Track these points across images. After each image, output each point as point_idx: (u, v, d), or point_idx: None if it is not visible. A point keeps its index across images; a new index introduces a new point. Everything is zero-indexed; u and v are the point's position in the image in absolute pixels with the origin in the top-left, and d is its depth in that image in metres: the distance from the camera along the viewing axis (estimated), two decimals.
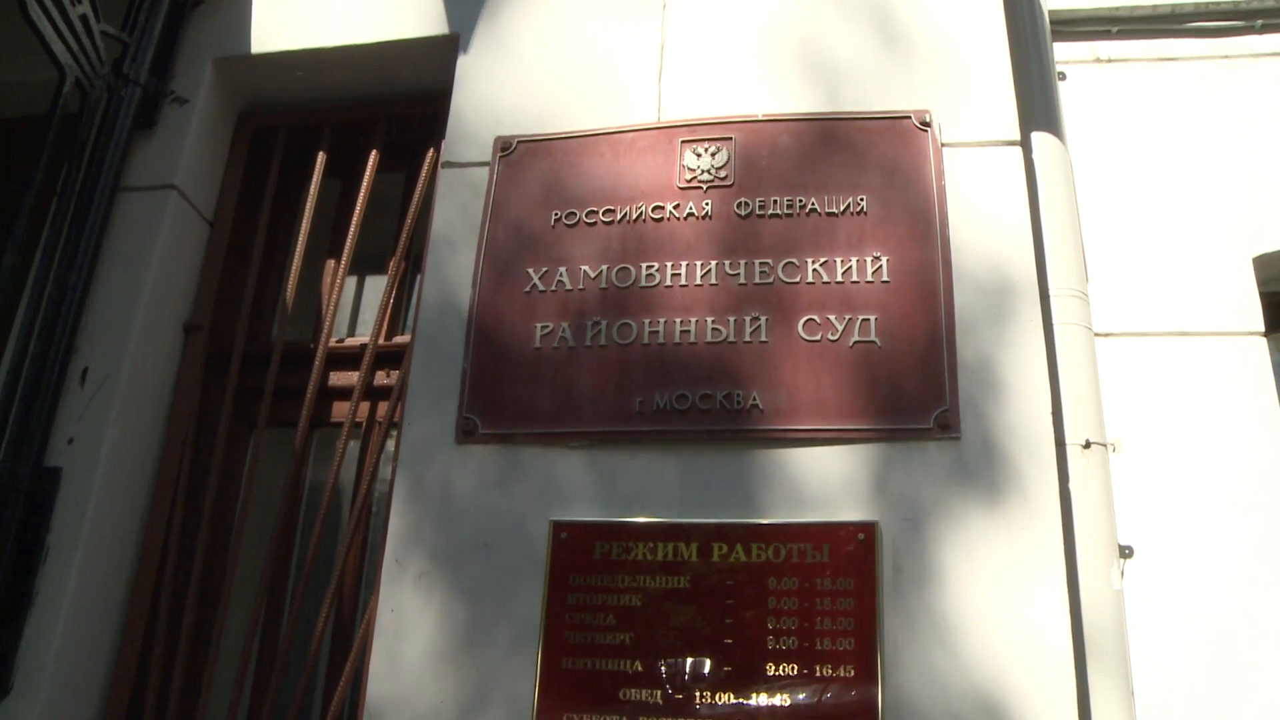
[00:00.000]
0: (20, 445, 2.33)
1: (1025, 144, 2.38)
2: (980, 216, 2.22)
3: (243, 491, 2.53)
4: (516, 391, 2.23)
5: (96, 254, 2.54)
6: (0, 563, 2.24)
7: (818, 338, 2.18)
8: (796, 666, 1.98)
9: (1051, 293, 2.41)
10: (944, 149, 2.28)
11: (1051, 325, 2.34)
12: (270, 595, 2.42)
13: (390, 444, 2.48)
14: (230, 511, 2.54)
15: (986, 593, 1.95)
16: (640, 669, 2.02)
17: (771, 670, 1.98)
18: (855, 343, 2.17)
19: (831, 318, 2.19)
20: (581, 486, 2.13)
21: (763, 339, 2.20)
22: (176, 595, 2.44)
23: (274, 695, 2.29)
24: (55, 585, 2.28)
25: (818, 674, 1.97)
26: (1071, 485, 2.15)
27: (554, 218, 2.39)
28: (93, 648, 2.35)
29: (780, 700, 1.96)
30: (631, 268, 2.30)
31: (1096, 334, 2.59)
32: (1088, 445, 2.32)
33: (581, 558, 2.10)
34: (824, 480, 2.08)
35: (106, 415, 2.41)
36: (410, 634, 2.07)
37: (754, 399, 2.16)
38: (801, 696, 1.96)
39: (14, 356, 2.41)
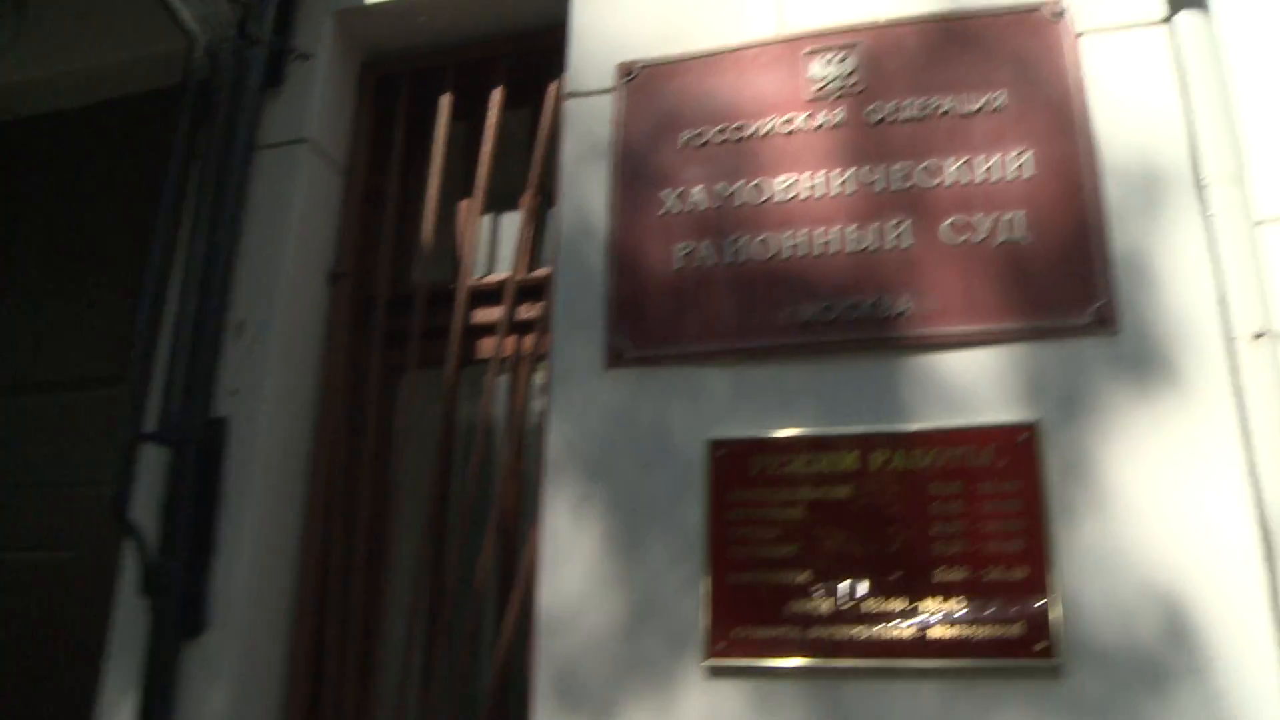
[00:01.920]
0: (189, 399, 2.59)
1: (1169, 24, 2.40)
2: (1125, 104, 2.27)
3: (398, 432, 2.76)
4: (661, 313, 2.39)
5: (239, 212, 2.77)
6: (184, 510, 2.53)
7: (963, 239, 2.27)
8: (964, 571, 2.07)
9: (1206, 180, 2.43)
10: (1080, 37, 2.33)
11: (1208, 213, 2.37)
12: (434, 530, 2.64)
13: (538, 376, 2.67)
14: (388, 452, 2.77)
15: (1158, 490, 2.01)
16: (805, 581, 2.15)
17: (939, 576, 2.08)
18: (1003, 241, 2.25)
19: (976, 217, 2.28)
20: (733, 403, 2.28)
21: (907, 244, 2.30)
22: (346, 536, 2.67)
23: (446, 625, 2.52)
24: (235, 529, 2.53)
25: (986, 578, 2.06)
26: (1242, 378, 2.20)
27: (682, 139, 2.51)
28: (275, 586, 2.60)
29: (950, 606, 2.06)
30: (766, 183, 2.42)
31: (1257, 221, 2.60)
32: (1259, 336, 2.35)
33: (739, 474, 2.25)
34: (980, 382, 2.17)
35: (264, 365, 2.65)
36: (573, 557, 2.26)
37: (902, 305, 2.27)
38: (971, 601, 2.05)
39: (175, 315, 2.67)
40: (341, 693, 2.56)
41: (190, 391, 2.60)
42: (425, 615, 2.58)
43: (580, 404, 2.36)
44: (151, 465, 2.61)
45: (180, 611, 2.46)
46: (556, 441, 2.35)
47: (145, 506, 2.56)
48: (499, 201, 3.00)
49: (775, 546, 2.19)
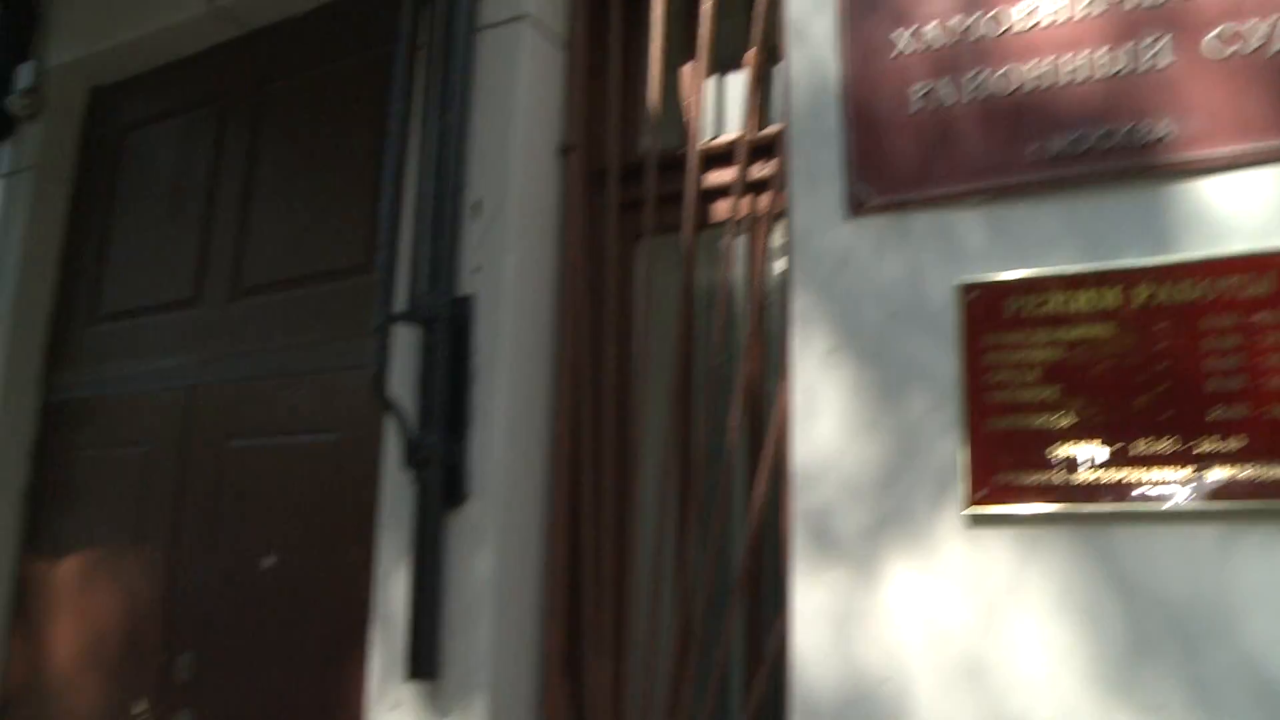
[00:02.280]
0: (435, 278, 2.80)
1: None
2: None
3: (638, 301, 2.90)
4: (901, 158, 2.41)
5: (466, 94, 2.94)
6: (438, 387, 2.74)
7: (1232, 51, 2.21)
8: (1244, 408, 2.02)
9: None
10: None
11: None
12: (680, 395, 2.79)
13: (776, 234, 2.77)
14: (629, 321, 2.89)
15: None
16: (1069, 424, 2.13)
17: (1215, 415, 2.03)
18: (1278, 51, 2.18)
19: (1248, 24, 2.20)
20: (983, 244, 2.31)
21: (1165, 63, 2.21)
22: (595, 404, 2.82)
23: (698, 487, 2.69)
24: (488, 402, 2.71)
25: (1268, 414, 2.01)
26: None
27: None
28: (529, 455, 2.78)
29: (1229, 445, 2.01)
30: (1003, 12, 2.36)
31: None
32: None
33: (993, 316, 2.28)
34: (1254, 206, 2.06)
35: (503, 242, 2.81)
36: (825, 411, 2.35)
37: (1162, 129, 2.19)
38: (1253, 438, 2.00)
39: (415, 200, 2.88)
40: (599, 555, 2.75)
41: (435, 272, 2.82)
42: (676, 477, 2.75)
43: (823, 257, 2.44)
44: (405, 346, 2.82)
45: (442, 483, 2.70)
46: (801, 296, 2.44)
47: (402, 385, 2.80)
48: (723, 61, 3.04)
49: (1035, 390, 2.20)
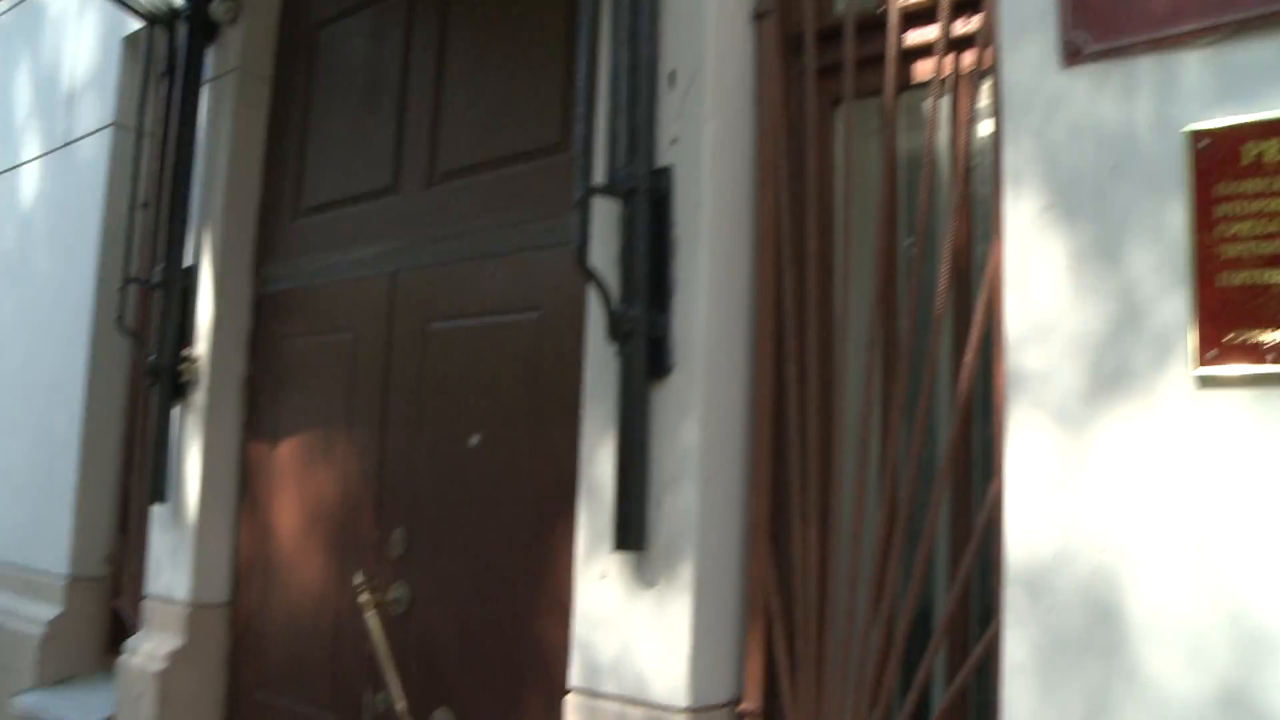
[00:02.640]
0: (634, 150, 2.79)
1: None
2: None
3: (838, 166, 2.83)
4: (1120, 1, 2.30)
5: None
6: (639, 259, 2.74)
7: None
8: None
9: None
10: None
11: None
12: (885, 260, 2.72)
13: (982, 93, 2.64)
14: (829, 190, 2.82)
15: None
16: None
17: None
18: None
19: None
20: (1213, 88, 2.15)
21: None
22: (796, 271, 2.78)
23: (905, 356, 2.64)
24: (689, 273, 2.72)
25: None
26: None
27: None
28: (732, 324, 2.78)
29: None
30: None
31: None
32: None
33: (1227, 165, 2.14)
34: None
35: (700, 111, 2.77)
36: (1041, 272, 2.25)
37: None
38: None
39: (610, 73, 2.86)
40: (804, 424, 2.72)
41: (633, 145, 2.81)
42: (881, 347, 2.71)
43: (1036, 111, 2.32)
44: (604, 221, 2.85)
45: (646, 355, 2.74)
46: (1012, 153, 2.34)
47: (603, 259, 2.83)
48: None
49: (1275, 241, 2.11)
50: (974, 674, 2.43)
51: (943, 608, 2.58)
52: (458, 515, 3.52)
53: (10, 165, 6.38)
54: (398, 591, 3.66)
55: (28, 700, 5.16)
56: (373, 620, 3.51)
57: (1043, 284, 2.24)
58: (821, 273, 2.79)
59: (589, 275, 2.70)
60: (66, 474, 5.38)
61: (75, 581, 5.31)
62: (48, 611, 5.39)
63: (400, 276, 3.86)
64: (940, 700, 2.50)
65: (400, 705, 3.42)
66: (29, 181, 6.19)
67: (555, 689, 3.05)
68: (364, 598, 3.52)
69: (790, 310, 2.77)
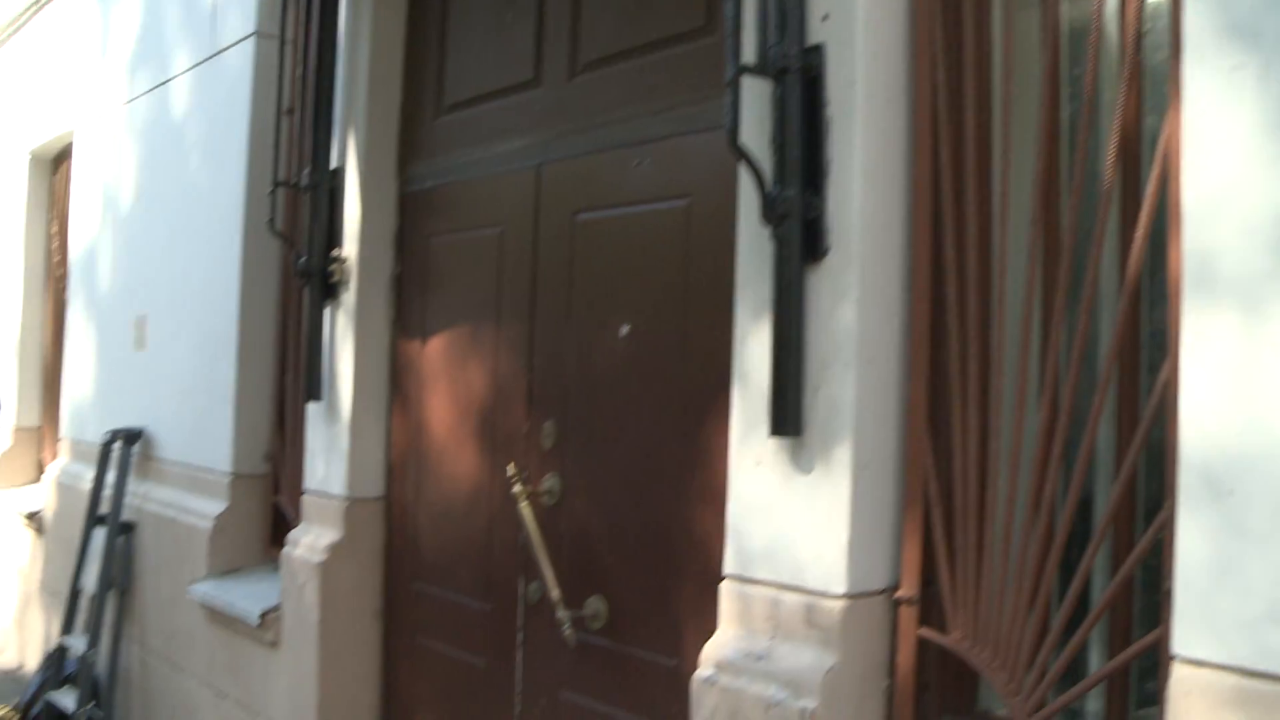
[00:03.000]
0: (784, 28, 2.69)
1: None
2: None
3: (998, 40, 2.70)
4: None
5: None
6: (791, 140, 2.67)
7: None
8: None
9: None
10: None
11: None
12: (1048, 136, 2.60)
13: None
14: (987, 63, 2.71)
15: None
16: None
17: None
18: None
19: None
20: None
21: None
22: (954, 150, 2.69)
23: (1070, 233, 2.54)
24: (844, 153, 2.65)
25: None
26: None
27: None
28: (889, 205, 2.71)
29: None
30: None
31: None
32: None
33: None
34: None
35: None
36: (1222, 140, 2.08)
37: None
38: None
39: None
40: (963, 307, 2.65)
41: (783, 22, 2.71)
42: (1043, 222, 2.62)
43: None
44: (755, 102, 2.79)
45: (801, 238, 2.70)
46: (1193, 14, 2.23)
47: (755, 141, 2.74)
48: None
49: None
50: (1138, 567, 2.37)
51: (1106, 498, 2.52)
52: (608, 406, 3.55)
53: (161, 80, 6.57)
54: (549, 483, 3.73)
55: (201, 589, 5.45)
56: (525, 511, 3.59)
57: (1226, 153, 2.13)
58: (980, 150, 2.70)
59: (742, 157, 2.65)
60: (226, 375, 5.60)
61: (238, 478, 5.55)
62: (215, 507, 5.65)
63: (545, 169, 3.87)
64: (1101, 595, 2.45)
65: (555, 594, 3.51)
66: (179, 95, 6.37)
67: (709, 576, 3.08)
68: (516, 489, 3.60)
69: (948, 190, 2.69)
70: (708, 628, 3.03)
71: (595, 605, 3.57)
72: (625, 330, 3.44)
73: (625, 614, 3.52)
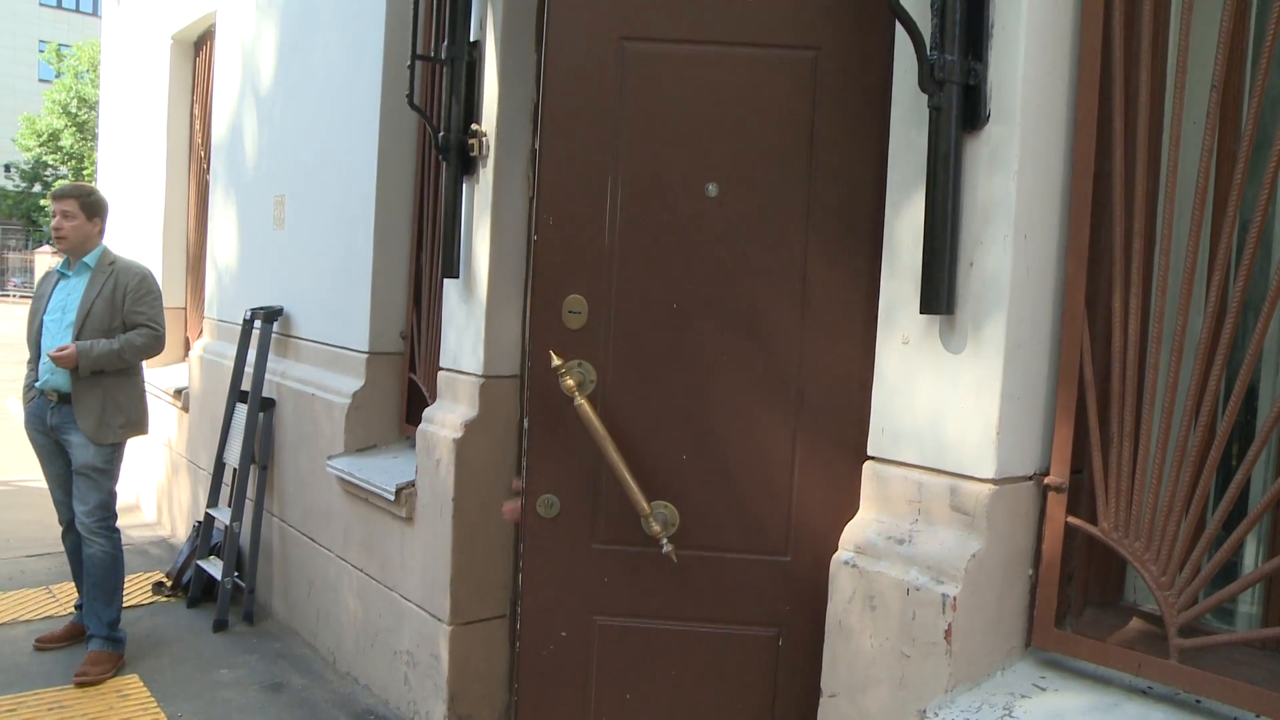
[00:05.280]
0: None
1: None
2: None
3: None
4: None
5: None
6: (951, 2, 2.62)
7: None
8: None
9: None
10: None
11: None
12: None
13: None
14: None
15: None
16: None
17: None
18: None
19: None
20: None
21: None
22: (1127, 14, 2.58)
23: (1257, 99, 2.39)
24: (1008, 16, 2.53)
25: None
26: None
27: None
28: (1053, 75, 2.60)
29: None
30: None
31: None
32: None
33: None
34: None
35: None
36: None
37: None
38: None
39: None
40: (1129, 179, 2.55)
41: None
42: (1222, 88, 2.45)
43: None
44: None
45: (959, 104, 2.62)
46: None
47: (913, 2, 2.70)
48: None
49: None
50: None
51: (1273, 391, 2.42)
52: (698, 273, 3.31)
53: None
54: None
55: (339, 464, 5.64)
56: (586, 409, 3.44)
57: None
58: (1157, 9, 2.56)
59: (900, 16, 2.56)
60: (363, 253, 5.71)
61: (374, 356, 5.70)
62: (352, 384, 5.82)
63: None
64: (1263, 494, 2.37)
65: (641, 506, 3.42)
66: None
67: (829, 462, 3.07)
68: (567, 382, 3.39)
69: (1119, 55, 2.57)
70: (833, 516, 3.02)
71: (663, 511, 3.27)
72: (713, 190, 3.26)
73: (704, 516, 3.31)
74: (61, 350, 5.50)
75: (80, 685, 5.47)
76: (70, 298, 5.79)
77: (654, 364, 3.23)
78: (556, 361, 3.15)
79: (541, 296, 3.27)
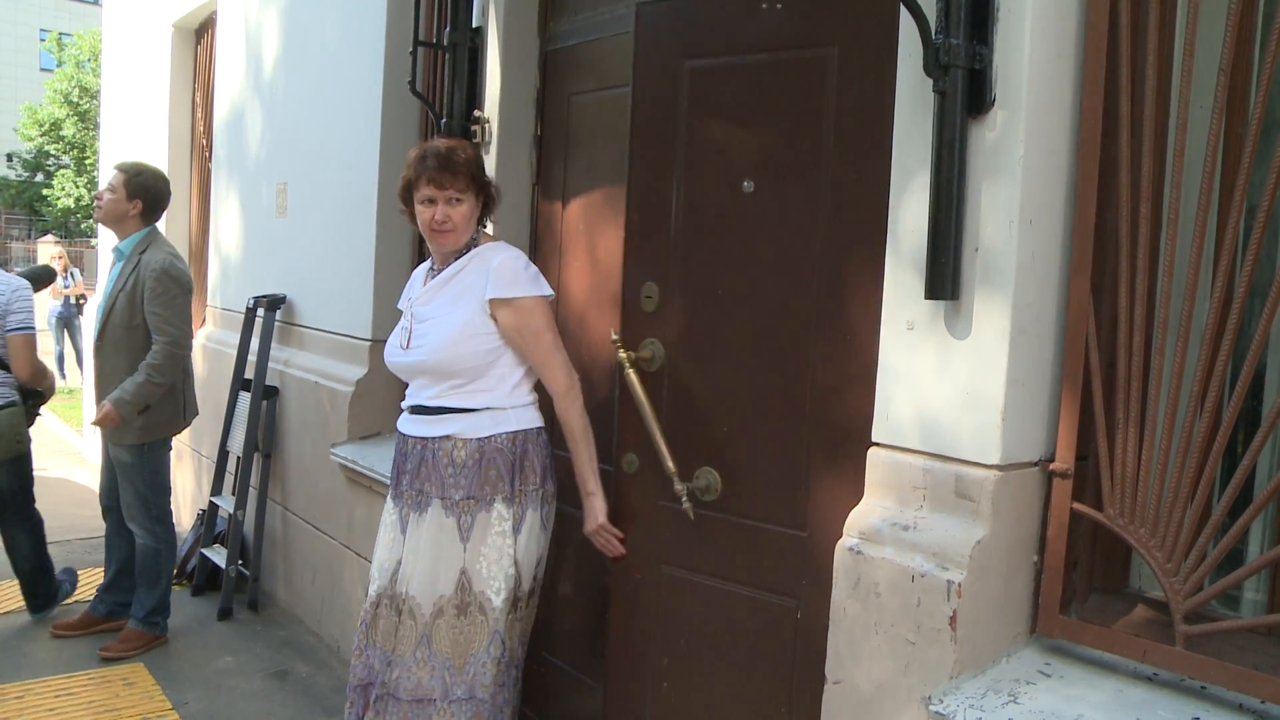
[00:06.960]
0: None
1: None
2: None
3: None
4: None
5: None
6: None
7: None
8: None
9: None
10: None
11: None
12: None
13: None
14: None
15: None
16: None
17: None
18: None
19: None
20: None
21: None
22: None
23: (1266, 83, 2.36)
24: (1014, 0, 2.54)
25: None
26: None
27: None
28: (1059, 59, 2.58)
29: None
30: None
31: None
32: None
33: None
34: None
35: None
36: None
37: None
38: None
39: None
40: (1136, 163, 2.53)
41: None
42: (1230, 71, 2.46)
43: None
44: None
45: (964, 89, 2.61)
46: None
47: None
48: None
49: None
50: None
51: (1278, 378, 2.41)
52: (724, 265, 3.48)
53: None
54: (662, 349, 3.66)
55: (342, 451, 5.65)
56: (632, 378, 3.56)
57: None
58: None
59: (905, 2, 2.55)
60: (366, 241, 5.72)
61: (377, 343, 5.70)
62: (355, 372, 5.82)
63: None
64: (1268, 481, 2.36)
65: (669, 466, 3.49)
66: None
67: (843, 445, 3.07)
68: (622, 354, 3.57)
69: (1125, 39, 2.55)
70: (843, 498, 3.02)
71: (707, 477, 3.50)
72: (749, 186, 3.36)
73: (741, 485, 3.45)
74: (102, 416, 5.47)
75: (104, 659, 5.63)
76: (109, 286, 5.76)
77: (704, 346, 3.50)
78: (615, 336, 3.62)
79: (629, 282, 3.70)
